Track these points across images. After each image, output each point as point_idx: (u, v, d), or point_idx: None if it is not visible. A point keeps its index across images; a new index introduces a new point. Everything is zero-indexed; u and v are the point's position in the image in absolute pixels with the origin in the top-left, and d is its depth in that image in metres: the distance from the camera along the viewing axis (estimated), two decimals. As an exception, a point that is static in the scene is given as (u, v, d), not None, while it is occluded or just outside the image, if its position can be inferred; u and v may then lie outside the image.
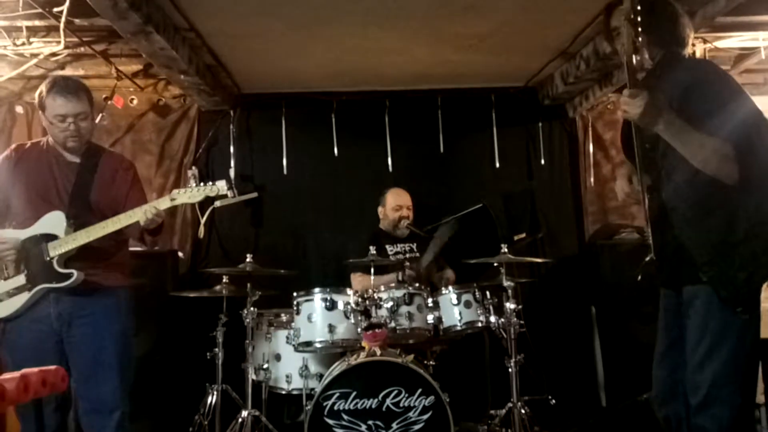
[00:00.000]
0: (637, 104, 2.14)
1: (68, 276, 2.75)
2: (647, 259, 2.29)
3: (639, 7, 2.13)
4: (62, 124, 2.82)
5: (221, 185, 2.92)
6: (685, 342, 2.27)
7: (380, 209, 4.50)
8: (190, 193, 2.86)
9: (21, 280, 2.79)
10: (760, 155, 2.12)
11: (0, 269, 2.81)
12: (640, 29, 2.14)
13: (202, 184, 2.88)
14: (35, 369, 1.91)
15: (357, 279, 4.17)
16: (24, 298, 2.79)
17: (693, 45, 4.33)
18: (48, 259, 2.77)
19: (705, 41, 4.41)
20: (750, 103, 2.20)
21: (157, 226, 2.87)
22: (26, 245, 2.80)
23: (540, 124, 5.13)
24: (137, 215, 2.77)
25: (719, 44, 4.31)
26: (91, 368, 2.84)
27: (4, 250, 2.78)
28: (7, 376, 1.80)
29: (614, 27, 2.43)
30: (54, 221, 2.81)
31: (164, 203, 2.83)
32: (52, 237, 2.79)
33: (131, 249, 3.24)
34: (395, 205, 4.41)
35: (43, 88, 2.84)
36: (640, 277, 2.34)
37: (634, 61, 2.21)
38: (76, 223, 2.81)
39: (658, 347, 2.45)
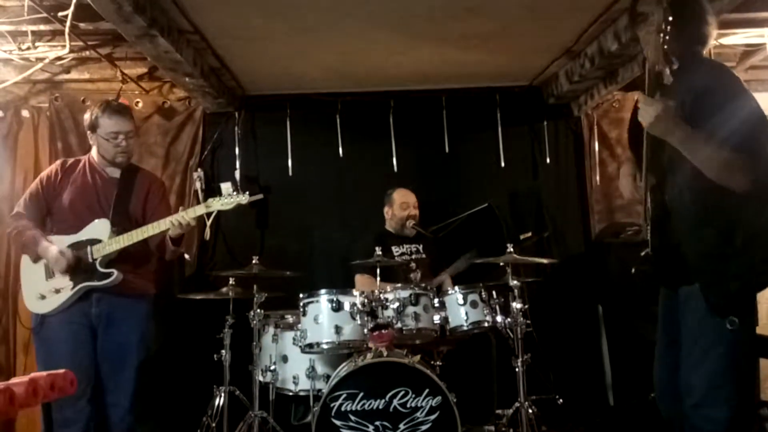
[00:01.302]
0: (649, 114, 2.12)
1: (109, 275, 3.10)
2: (642, 254, 2.29)
3: (671, 18, 2.11)
4: (115, 140, 3.23)
5: (226, 188, 3.14)
6: (681, 342, 2.27)
7: (386, 209, 4.51)
8: (223, 201, 3.21)
9: (64, 279, 3.11)
10: (764, 165, 2.10)
11: (47, 269, 3.16)
12: (668, 38, 2.11)
13: (234, 193, 3.22)
14: (44, 373, 1.93)
15: (361, 281, 4.18)
16: (66, 295, 3.10)
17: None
18: (92, 260, 3.11)
19: (710, 38, 4.39)
20: (758, 111, 2.17)
21: (181, 235, 3.22)
22: (72, 248, 3.12)
23: (545, 123, 5.12)
24: (174, 220, 3.11)
25: (724, 41, 4.30)
26: (121, 367, 3.16)
27: (60, 260, 3.07)
28: (16, 380, 1.81)
29: (640, 12, 2.39)
30: (100, 227, 3.17)
31: (200, 209, 3.21)
32: (96, 241, 3.14)
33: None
34: (402, 202, 4.41)
35: (96, 110, 3.26)
36: (634, 270, 2.33)
37: (656, 69, 2.19)
38: (118, 230, 3.16)
39: (658, 346, 2.46)
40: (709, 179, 2.11)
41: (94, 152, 3.33)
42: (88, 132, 3.30)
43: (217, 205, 3.20)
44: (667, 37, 2.12)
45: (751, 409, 3.73)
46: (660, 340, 2.44)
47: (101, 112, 3.24)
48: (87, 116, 3.30)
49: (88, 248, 3.12)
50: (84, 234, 3.17)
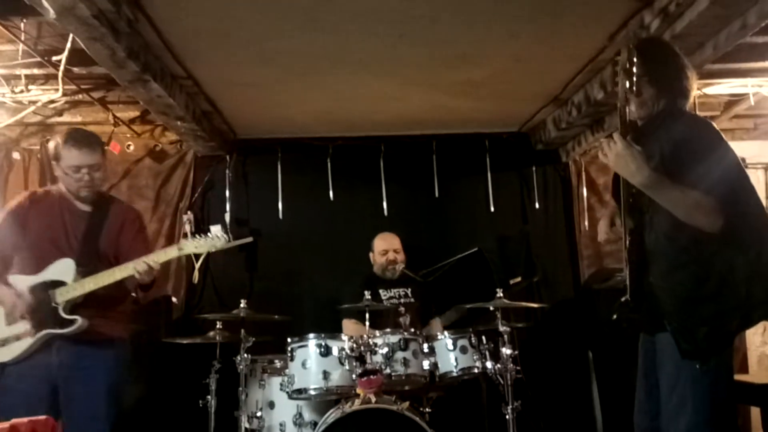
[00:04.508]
0: (611, 152, 2.19)
1: (72, 322, 2.81)
2: (622, 299, 2.30)
3: (635, 59, 2.19)
4: (76, 175, 2.92)
5: (216, 230, 3.00)
6: (660, 388, 2.26)
7: (371, 255, 4.51)
8: (197, 243, 2.97)
9: (25, 325, 2.82)
10: (739, 213, 2.14)
11: (7, 314, 2.85)
12: (635, 80, 2.19)
13: (209, 235, 2.99)
14: (25, 419, 1.89)
15: (348, 326, 4.15)
16: (27, 342, 2.81)
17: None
18: (54, 305, 2.82)
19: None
20: (734, 161, 2.22)
21: (150, 281, 2.94)
22: (34, 291, 2.84)
23: (534, 169, 5.18)
24: (142, 264, 2.83)
25: (708, 91, 4.39)
26: (89, 421, 2.84)
27: (18, 304, 2.81)
28: (-5, 427, 1.78)
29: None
30: (63, 268, 2.88)
31: (172, 252, 2.96)
32: (59, 283, 2.85)
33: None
34: (381, 249, 4.43)
35: (59, 139, 2.95)
36: (615, 316, 2.34)
37: (627, 111, 2.25)
38: (85, 270, 2.88)
39: (637, 394, 2.45)
40: (687, 224, 2.14)
41: (60, 183, 3.04)
42: (53, 162, 2.98)
43: (190, 248, 2.97)
44: (634, 78, 2.18)
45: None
46: (640, 387, 2.44)
47: (63, 143, 2.91)
48: (51, 145, 3.00)
49: (51, 291, 2.83)
50: (47, 275, 2.87)
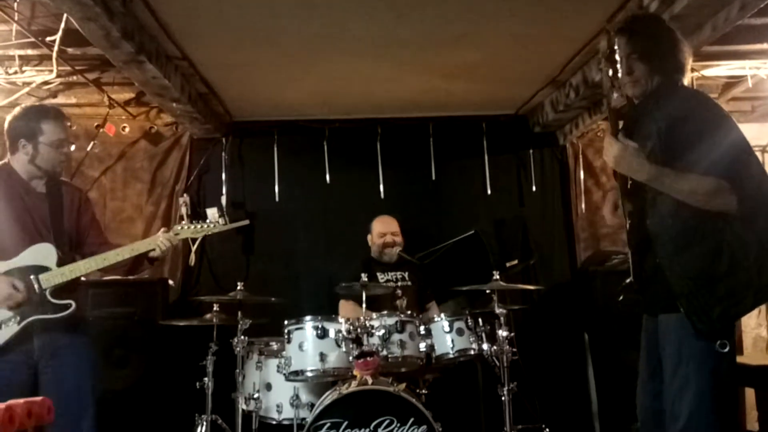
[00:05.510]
0: (609, 154, 2.21)
1: (66, 307, 2.78)
2: (627, 281, 2.30)
3: (615, 46, 2.19)
4: (61, 149, 2.88)
5: (212, 213, 3.02)
6: (663, 369, 2.27)
7: (369, 237, 4.52)
8: (194, 229, 3.05)
9: (8, 312, 2.74)
10: (747, 188, 2.11)
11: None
12: (624, 60, 2.18)
13: (209, 221, 3.06)
14: (21, 400, 1.89)
15: (344, 306, 4.16)
16: (13, 330, 2.74)
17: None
18: (41, 291, 2.76)
19: (692, 70, 4.45)
20: (738, 134, 2.19)
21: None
22: (12, 276, 2.75)
23: (531, 152, 5.17)
24: (152, 245, 2.94)
25: (706, 73, 4.37)
26: (73, 400, 2.79)
27: (18, 297, 2.73)
28: (-8, 408, 1.77)
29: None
30: (43, 253, 2.80)
31: (168, 237, 2.99)
32: (41, 269, 2.78)
33: (118, 278, 3.21)
34: (379, 232, 4.44)
35: (33, 114, 2.87)
36: (621, 299, 2.34)
37: (613, 99, 2.24)
38: (62, 254, 2.83)
39: (641, 375, 2.45)
40: (690, 205, 2.13)
41: (18, 163, 2.89)
42: (21, 140, 2.84)
43: (187, 232, 3.05)
44: (618, 66, 2.18)
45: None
46: (643, 368, 2.44)
47: (43, 117, 2.84)
48: (20, 122, 2.87)
49: (35, 277, 2.75)
50: (23, 260, 2.76)
